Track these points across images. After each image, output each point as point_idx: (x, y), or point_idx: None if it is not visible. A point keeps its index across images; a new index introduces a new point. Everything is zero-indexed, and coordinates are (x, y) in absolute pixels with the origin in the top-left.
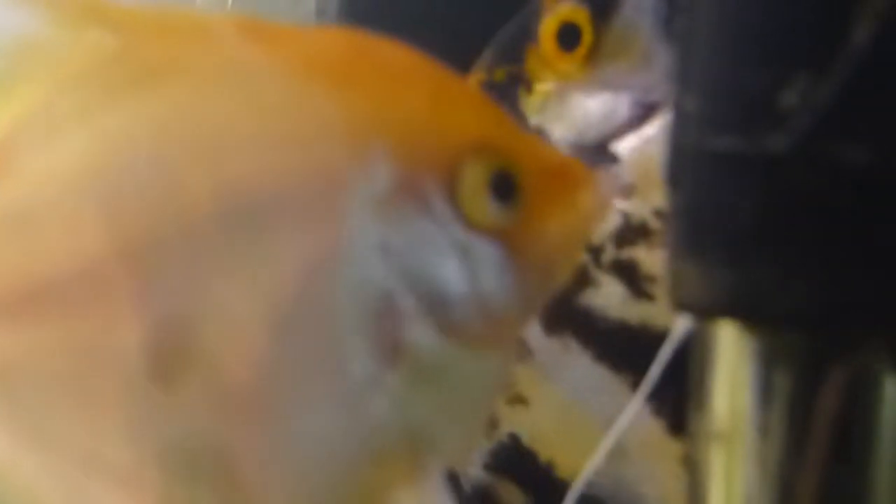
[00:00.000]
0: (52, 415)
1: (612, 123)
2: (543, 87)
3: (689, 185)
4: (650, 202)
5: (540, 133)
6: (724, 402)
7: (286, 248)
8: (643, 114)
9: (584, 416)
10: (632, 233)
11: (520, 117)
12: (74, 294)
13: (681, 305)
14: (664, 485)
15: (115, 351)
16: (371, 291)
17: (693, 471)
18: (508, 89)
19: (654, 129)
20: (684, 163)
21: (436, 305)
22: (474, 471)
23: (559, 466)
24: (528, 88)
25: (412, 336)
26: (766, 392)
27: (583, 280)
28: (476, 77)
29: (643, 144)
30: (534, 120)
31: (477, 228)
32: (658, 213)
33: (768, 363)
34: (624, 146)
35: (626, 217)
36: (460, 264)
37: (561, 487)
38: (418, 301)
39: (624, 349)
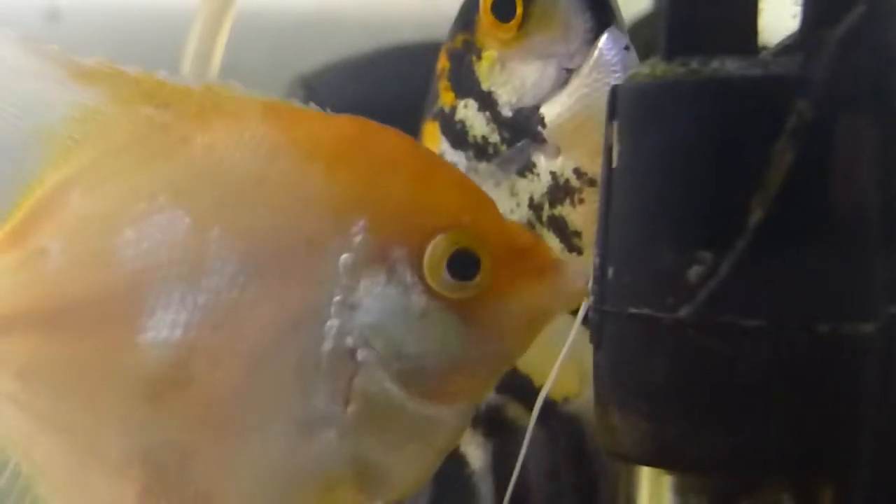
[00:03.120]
0: (63, 408)
1: (542, 88)
2: (489, 54)
3: (609, 345)
4: (572, 162)
5: (492, 96)
6: None
7: (268, 299)
8: (566, 79)
9: (555, 348)
10: (560, 192)
11: (475, 82)
12: (91, 316)
13: (609, 452)
14: None
15: (116, 367)
16: (333, 341)
17: None
18: (464, 56)
19: (574, 93)
20: (605, 325)
21: (390, 358)
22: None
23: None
24: (478, 56)
25: (366, 383)
26: None
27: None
28: (445, 48)
29: (564, 110)
30: (485, 85)
31: (437, 297)
32: (577, 172)
33: (686, 499)
34: (549, 110)
35: (555, 177)
36: (417, 326)
37: (551, 405)
38: (374, 353)
39: None
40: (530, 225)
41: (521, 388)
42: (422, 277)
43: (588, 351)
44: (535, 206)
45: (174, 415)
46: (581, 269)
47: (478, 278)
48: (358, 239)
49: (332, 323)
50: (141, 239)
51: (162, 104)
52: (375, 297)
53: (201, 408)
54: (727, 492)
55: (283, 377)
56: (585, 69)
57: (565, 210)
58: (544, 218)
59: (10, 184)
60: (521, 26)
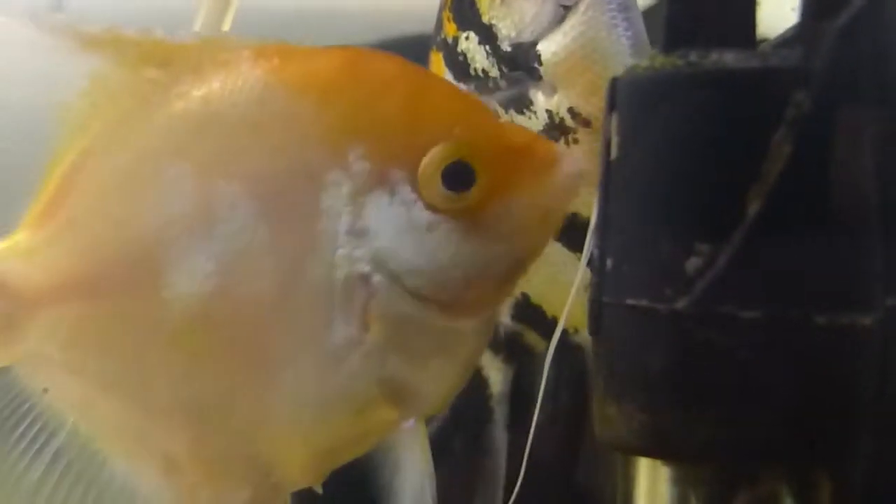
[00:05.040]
0: (109, 368)
1: (540, 24)
2: None
3: (607, 336)
4: (567, 101)
5: (492, 30)
6: None
7: (278, 238)
8: (563, 15)
9: (564, 282)
10: (556, 131)
11: (476, 14)
12: (119, 278)
13: (605, 443)
14: None
15: (150, 322)
16: (345, 268)
17: None
18: None
19: (570, 31)
20: (603, 317)
21: (403, 278)
22: (505, 320)
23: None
24: None
25: (383, 305)
26: None
27: None
28: None
29: (560, 48)
30: (485, 18)
31: (438, 211)
32: (571, 111)
33: (683, 490)
34: (545, 47)
35: (551, 115)
36: (425, 242)
37: (562, 334)
38: (386, 274)
39: (572, 233)
40: None
41: (534, 316)
42: (421, 194)
43: None
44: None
45: (209, 360)
46: (577, 157)
47: (475, 188)
48: (356, 166)
49: (343, 252)
50: (154, 200)
51: (162, 63)
52: (381, 221)
53: (231, 350)
54: (725, 483)
55: (302, 310)
56: (582, 6)
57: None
58: None
59: (35, 163)
60: None
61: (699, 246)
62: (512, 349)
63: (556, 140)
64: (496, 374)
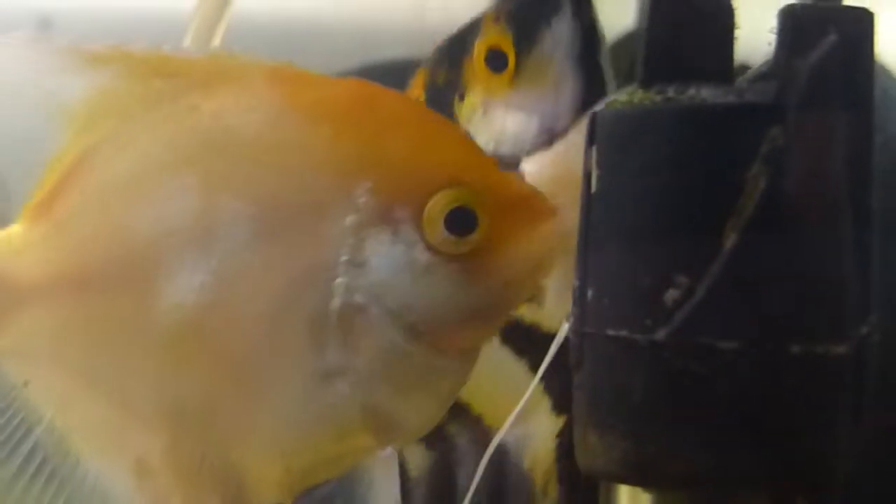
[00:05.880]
0: (94, 366)
1: (522, 142)
2: (473, 98)
3: (589, 366)
4: None
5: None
6: None
7: (278, 261)
8: (548, 139)
9: (498, 382)
10: None
11: (454, 120)
12: (114, 280)
13: (586, 470)
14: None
15: (140, 327)
16: (341, 297)
17: None
18: (446, 93)
19: (558, 157)
20: (584, 347)
21: (396, 313)
22: None
23: (485, 417)
24: (462, 97)
25: (375, 336)
26: None
27: None
28: (421, 75)
29: (541, 168)
30: (463, 126)
31: (438, 253)
32: None
33: None
34: (530, 167)
35: None
36: (421, 282)
37: (487, 430)
38: (380, 308)
39: (522, 340)
40: None
41: (460, 410)
42: (423, 235)
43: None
44: None
45: (196, 370)
46: (571, 214)
47: (476, 234)
48: (362, 200)
49: (341, 281)
50: (155, 206)
51: (171, 75)
52: (380, 256)
53: (221, 363)
54: None
55: (296, 333)
56: (574, 135)
57: None
58: None
59: (35, 163)
60: (511, 80)
61: (678, 278)
62: (433, 436)
63: None
64: (415, 458)
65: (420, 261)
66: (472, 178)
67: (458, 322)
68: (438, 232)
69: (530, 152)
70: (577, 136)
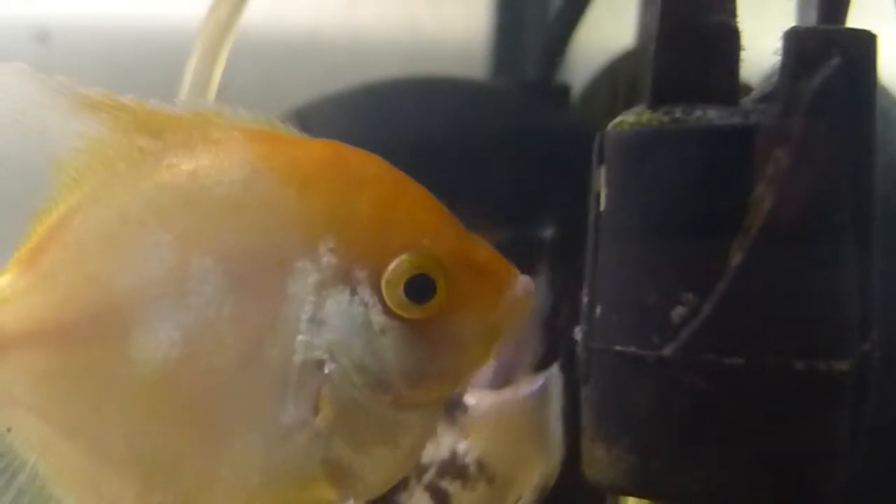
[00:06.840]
0: (72, 415)
1: (474, 381)
2: None
3: (596, 381)
4: (476, 452)
5: None
6: None
7: (244, 316)
8: (500, 384)
9: None
10: (453, 468)
11: None
12: (91, 333)
13: (592, 482)
14: None
15: (114, 378)
16: (302, 354)
17: None
18: None
19: (504, 406)
20: (592, 362)
21: (354, 372)
22: None
23: None
24: None
25: (334, 392)
26: None
27: (402, 486)
28: None
29: (488, 409)
30: None
31: (395, 316)
32: (478, 464)
33: None
34: (476, 403)
35: (454, 455)
36: (377, 343)
37: None
38: (339, 365)
39: None
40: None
41: None
42: (381, 297)
43: None
44: (417, 468)
45: (164, 419)
46: (531, 283)
47: (434, 300)
48: (325, 259)
49: (302, 338)
50: (131, 262)
51: (154, 133)
52: (339, 315)
53: (188, 414)
54: None
55: (259, 387)
56: (524, 392)
57: (452, 487)
58: (425, 480)
59: (27, 211)
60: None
61: (685, 295)
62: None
63: (452, 476)
64: None
65: (376, 322)
66: (434, 242)
67: (415, 383)
68: (397, 296)
69: (480, 392)
70: (526, 397)
